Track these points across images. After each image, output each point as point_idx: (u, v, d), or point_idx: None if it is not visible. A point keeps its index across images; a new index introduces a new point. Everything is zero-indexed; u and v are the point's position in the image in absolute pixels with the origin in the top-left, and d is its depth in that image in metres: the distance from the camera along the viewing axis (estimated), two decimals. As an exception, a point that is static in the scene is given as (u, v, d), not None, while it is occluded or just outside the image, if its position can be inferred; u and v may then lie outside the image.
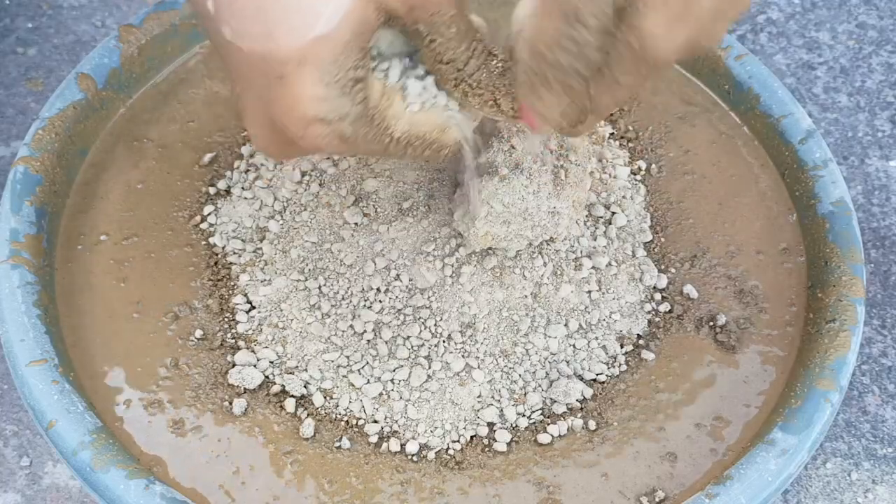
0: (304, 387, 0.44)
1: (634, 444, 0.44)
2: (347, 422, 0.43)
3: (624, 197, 0.51)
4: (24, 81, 0.65)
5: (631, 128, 0.55)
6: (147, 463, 0.40)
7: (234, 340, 0.45)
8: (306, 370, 0.44)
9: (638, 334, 0.47)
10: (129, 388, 0.43)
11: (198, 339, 0.45)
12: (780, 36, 0.72)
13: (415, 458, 0.42)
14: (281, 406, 0.43)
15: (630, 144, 0.54)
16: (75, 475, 0.39)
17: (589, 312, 0.46)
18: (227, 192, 0.50)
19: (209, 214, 0.49)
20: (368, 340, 0.44)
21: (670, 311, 0.48)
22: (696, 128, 0.56)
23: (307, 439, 0.42)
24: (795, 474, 0.41)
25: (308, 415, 0.43)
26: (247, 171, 0.51)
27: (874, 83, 0.70)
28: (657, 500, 0.42)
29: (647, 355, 0.46)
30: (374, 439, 0.43)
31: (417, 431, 0.43)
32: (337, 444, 0.42)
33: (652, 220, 0.51)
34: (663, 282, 0.49)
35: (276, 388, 0.44)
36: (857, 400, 0.54)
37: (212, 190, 0.50)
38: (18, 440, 0.50)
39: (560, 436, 0.44)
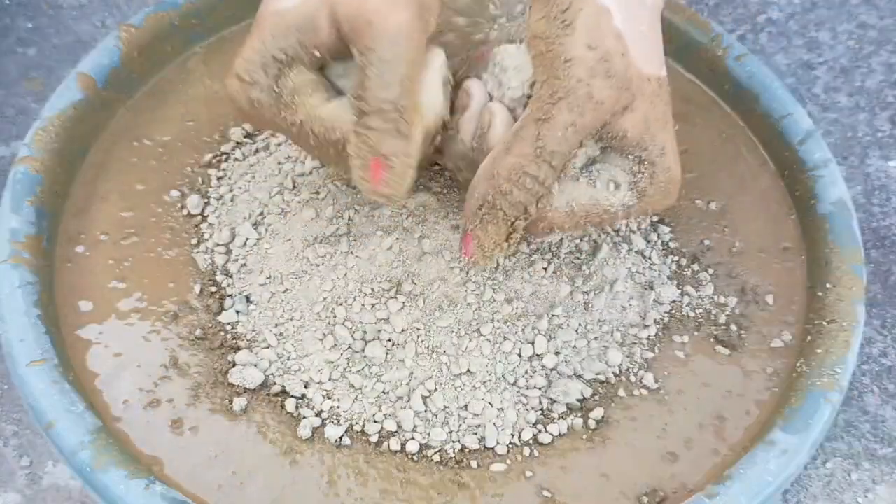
0: (305, 387, 0.44)
1: (635, 444, 0.43)
2: (347, 421, 0.43)
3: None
4: (24, 81, 0.65)
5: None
6: (146, 463, 0.40)
7: (234, 340, 0.45)
8: (307, 370, 0.44)
9: (637, 333, 0.47)
10: (129, 388, 0.43)
11: (197, 339, 0.45)
12: (780, 36, 0.72)
13: (415, 458, 0.42)
14: (281, 406, 0.43)
15: None
16: (75, 475, 0.39)
17: (589, 313, 0.46)
18: (228, 191, 0.50)
19: (209, 214, 0.49)
20: (368, 341, 0.44)
21: (670, 310, 0.48)
22: (697, 127, 0.56)
23: (307, 439, 0.42)
24: (795, 474, 0.41)
25: (308, 415, 0.43)
26: (246, 173, 0.51)
27: (874, 83, 0.70)
28: (657, 500, 0.42)
29: (647, 354, 0.46)
30: (374, 439, 0.43)
31: (418, 431, 0.43)
32: (336, 444, 0.42)
33: (652, 220, 0.51)
34: (663, 280, 0.49)
35: (276, 388, 0.44)
36: (857, 400, 0.54)
37: (212, 190, 0.50)
38: (18, 440, 0.50)
39: (560, 435, 0.44)
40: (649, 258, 0.49)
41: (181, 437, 0.42)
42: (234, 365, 0.44)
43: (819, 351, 0.44)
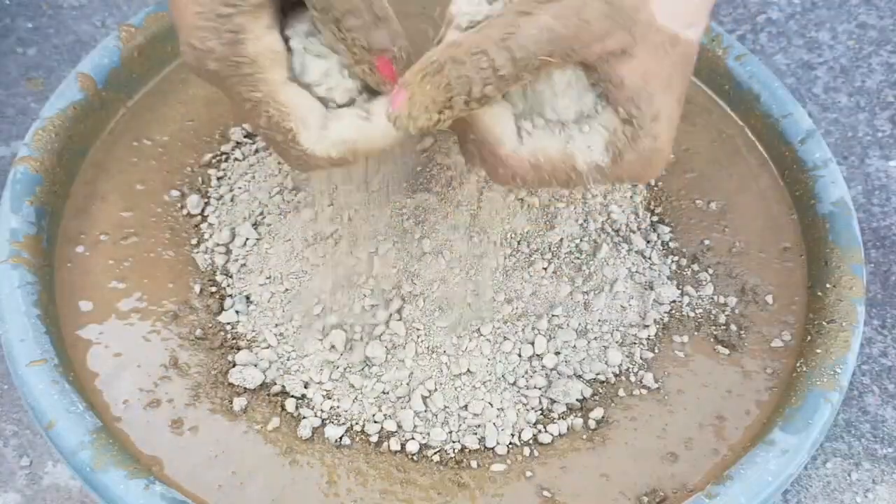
0: (305, 387, 0.44)
1: (635, 444, 0.43)
2: (347, 421, 0.43)
3: (624, 196, 0.51)
4: (24, 81, 0.65)
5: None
6: (146, 463, 0.40)
7: (234, 340, 0.45)
8: (307, 370, 0.44)
9: (637, 333, 0.47)
10: (129, 388, 0.43)
11: (197, 339, 0.45)
12: (780, 36, 0.72)
13: (415, 458, 0.42)
14: (281, 406, 0.43)
15: None
16: (75, 475, 0.39)
17: (589, 313, 0.46)
18: (228, 191, 0.50)
19: (209, 214, 0.49)
20: (368, 343, 0.44)
21: (670, 310, 0.48)
22: (697, 127, 0.55)
23: (307, 439, 0.42)
24: (795, 474, 0.41)
25: (308, 415, 0.43)
26: (246, 173, 0.51)
27: (874, 83, 0.70)
28: (657, 500, 0.42)
29: (647, 354, 0.46)
30: (374, 439, 0.43)
31: (418, 431, 0.43)
32: (336, 444, 0.42)
33: (652, 219, 0.51)
34: (663, 280, 0.49)
35: (276, 388, 0.44)
36: (857, 400, 0.54)
37: (212, 190, 0.50)
38: (18, 440, 0.49)
39: (560, 435, 0.44)
40: (649, 258, 0.49)
41: (181, 437, 0.42)
42: (234, 365, 0.44)
43: (819, 351, 0.44)
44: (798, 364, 0.45)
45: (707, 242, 0.51)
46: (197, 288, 0.47)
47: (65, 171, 0.49)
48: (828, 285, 0.47)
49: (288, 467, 0.41)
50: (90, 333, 0.44)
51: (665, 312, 0.48)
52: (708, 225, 0.51)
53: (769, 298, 0.49)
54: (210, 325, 0.45)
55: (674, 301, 0.48)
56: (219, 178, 0.51)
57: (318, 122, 0.37)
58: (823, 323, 0.46)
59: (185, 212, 0.49)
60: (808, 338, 0.46)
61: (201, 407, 0.43)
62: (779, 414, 0.43)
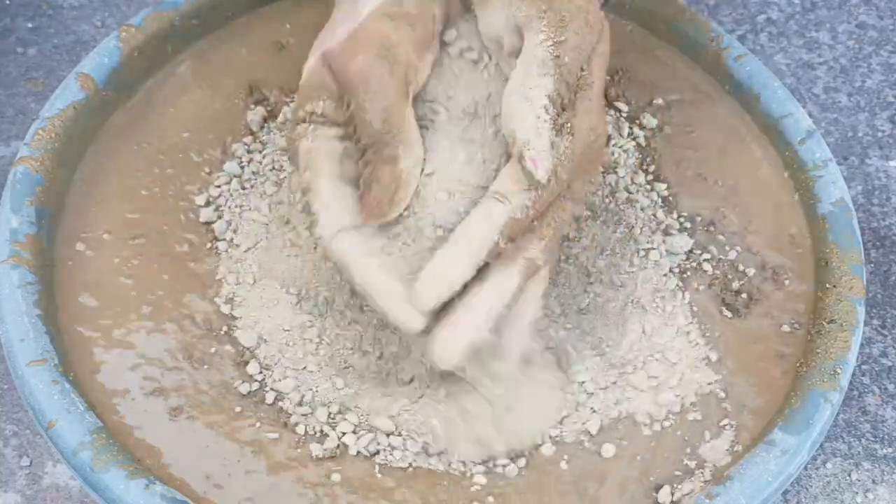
0: (311, 388, 0.44)
1: (651, 430, 0.43)
2: (355, 424, 0.43)
3: (627, 187, 0.51)
4: (24, 81, 0.65)
5: (635, 121, 0.55)
6: (143, 456, 0.40)
7: (237, 338, 0.45)
8: (315, 371, 0.44)
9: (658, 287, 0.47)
10: (129, 385, 0.43)
11: (200, 337, 0.45)
12: (780, 36, 0.72)
13: (415, 463, 0.42)
14: (281, 408, 0.43)
15: (633, 136, 0.54)
16: (75, 475, 0.39)
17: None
18: (229, 189, 0.50)
19: (211, 214, 0.49)
20: (380, 356, 0.44)
21: (684, 272, 0.48)
22: (701, 115, 0.55)
23: (307, 441, 0.42)
24: (795, 474, 0.41)
25: (308, 413, 0.43)
26: (256, 171, 0.51)
27: (874, 83, 0.70)
28: (671, 491, 0.41)
29: (663, 326, 0.47)
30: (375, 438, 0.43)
31: (423, 437, 0.43)
32: (343, 447, 0.42)
33: (648, 179, 0.52)
34: (672, 233, 0.49)
35: (280, 385, 0.44)
36: (857, 400, 0.54)
37: (212, 188, 0.50)
38: (18, 440, 0.50)
39: (578, 430, 0.43)
40: (654, 216, 0.49)
41: (178, 431, 0.41)
42: (238, 363, 0.44)
43: (819, 351, 0.44)
44: (798, 364, 0.45)
45: (712, 217, 0.51)
46: (199, 287, 0.46)
47: (65, 171, 0.49)
48: (828, 285, 0.47)
49: (273, 459, 0.41)
50: (91, 332, 0.44)
51: (679, 263, 0.49)
52: (711, 209, 0.51)
53: (787, 281, 0.48)
54: (211, 322, 0.45)
55: (691, 251, 0.49)
56: (218, 177, 0.51)
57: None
58: (823, 323, 0.46)
59: (187, 210, 0.49)
60: (808, 338, 0.46)
61: (200, 401, 0.43)
62: (779, 414, 0.43)
